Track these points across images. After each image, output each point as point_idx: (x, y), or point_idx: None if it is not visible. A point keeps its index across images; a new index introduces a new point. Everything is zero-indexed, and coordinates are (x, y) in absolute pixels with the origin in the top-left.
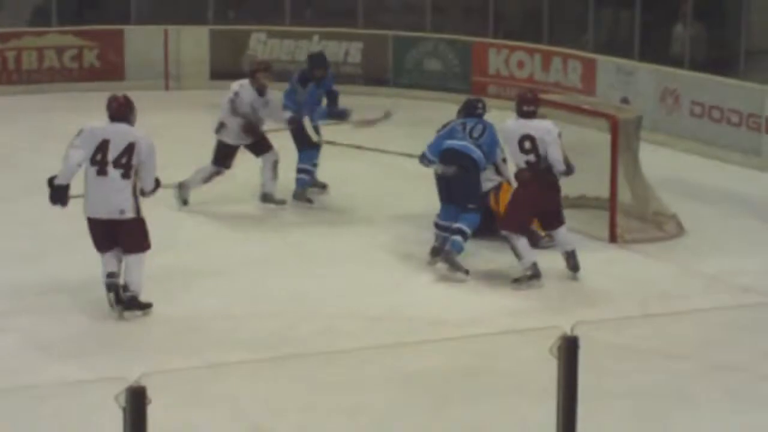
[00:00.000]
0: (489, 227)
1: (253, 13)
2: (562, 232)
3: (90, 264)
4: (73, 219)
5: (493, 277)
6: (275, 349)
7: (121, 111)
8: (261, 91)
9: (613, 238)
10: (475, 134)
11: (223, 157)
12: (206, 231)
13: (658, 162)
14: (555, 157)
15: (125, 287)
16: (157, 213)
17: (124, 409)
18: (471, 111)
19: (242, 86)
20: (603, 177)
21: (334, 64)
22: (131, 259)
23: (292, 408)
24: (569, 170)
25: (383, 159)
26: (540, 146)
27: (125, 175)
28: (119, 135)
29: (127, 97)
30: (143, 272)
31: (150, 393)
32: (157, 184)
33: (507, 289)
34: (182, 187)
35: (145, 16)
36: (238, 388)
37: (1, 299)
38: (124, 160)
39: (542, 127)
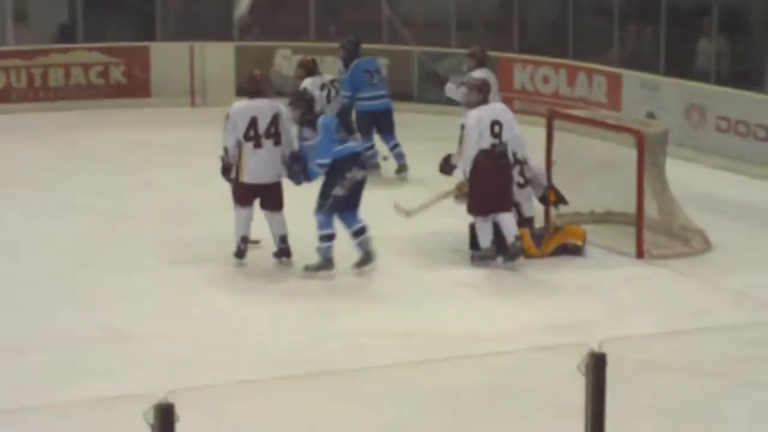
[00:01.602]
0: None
1: (278, 30)
2: (509, 217)
3: (113, 279)
4: (95, 236)
5: (520, 294)
6: (303, 366)
7: (257, 87)
8: None
9: (639, 253)
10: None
11: None
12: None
13: (685, 177)
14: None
15: (282, 238)
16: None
17: (153, 426)
18: (309, 107)
19: None
20: (629, 192)
21: None
22: (278, 216)
23: (320, 425)
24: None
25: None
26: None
27: (277, 143)
28: (263, 109)
29: (262, 73)
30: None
31: (178, 410)
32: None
33: (534, 306)
34: None
35: (170, 32)
36: (267, 405)
37: (30, 314)
38: (273, 130)
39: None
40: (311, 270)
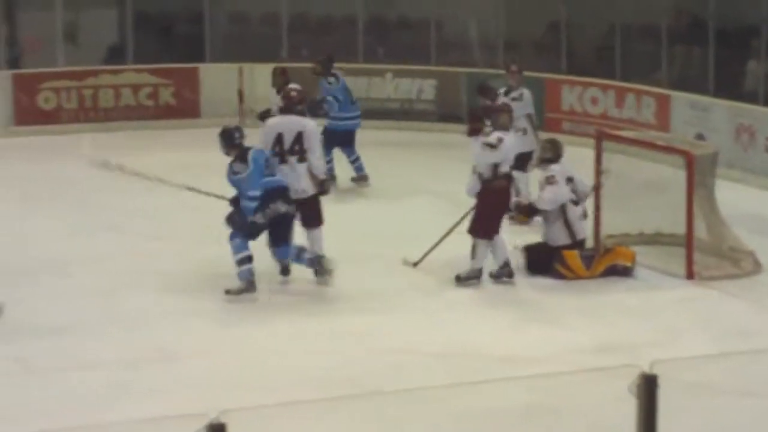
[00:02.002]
0: (547, 267)
1: (327, 51)
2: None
3: (159, 299)
4: (141, 255)
5: (568, 315)
6: (345, 385)
7: (288, 103)
8: None
9: (689, 275)
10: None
11: None
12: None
13: (734, 198)
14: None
15: (319, 257)
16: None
17: None
18: (229, 142)
19: None
20: (678, 214)
21: (407, 101)
22: (315, 233)
23: None
24: None
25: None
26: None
27: (301, 160)
28: (289, 126)
29: (297, 89)
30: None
31: (230, 430)
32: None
33: (582, 327)
34: None
35: (219, 54)
36: (314, 426)
37: (79, 334)
38: (297, 147)
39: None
40: (234, 294)
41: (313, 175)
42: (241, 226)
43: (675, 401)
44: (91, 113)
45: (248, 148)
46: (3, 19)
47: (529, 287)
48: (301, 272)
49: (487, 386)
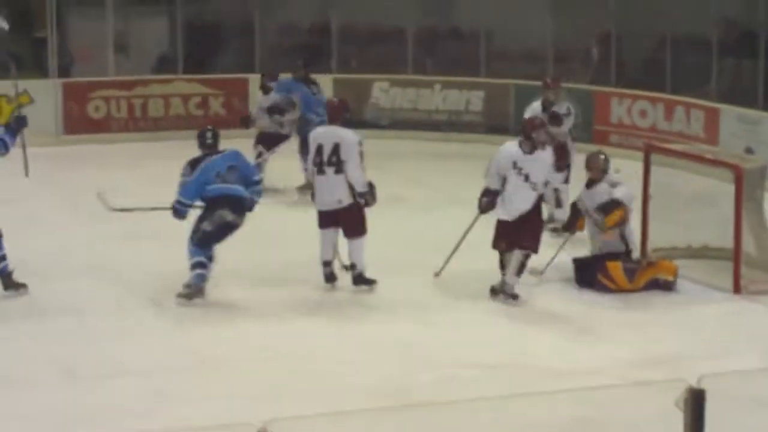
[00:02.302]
0: (592, 279)
1: (376, 62)
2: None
3: (200, 306)
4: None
5: (613, 328)
6: (393, 397)
7: (331, 114)
8: None
9: (737, 289)
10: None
11: None
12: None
13: None
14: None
15: (353, 266)
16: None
17: None
18: (200, 142)
19: None
20: (726, 227)
21: (455, 113)
22: (354, 244)
23: None
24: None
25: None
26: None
27: (338, 171)
28: (328, 137)
29: (341, 100)
30: (365, 253)
31: None
32: (369, 187)
33: (627, 340)
34: None
35: (269, 64)
36: None
37: (122, 341)
38: (334, 159)
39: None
40: (183, 297)
41: (350, 186)
42: (194, 234)
43: (722, 416)
44: (141, 122)
45: (217, 153)
46: (54, 28)
47: (574, 301)
48: (345, 281)
49: (535, 399)
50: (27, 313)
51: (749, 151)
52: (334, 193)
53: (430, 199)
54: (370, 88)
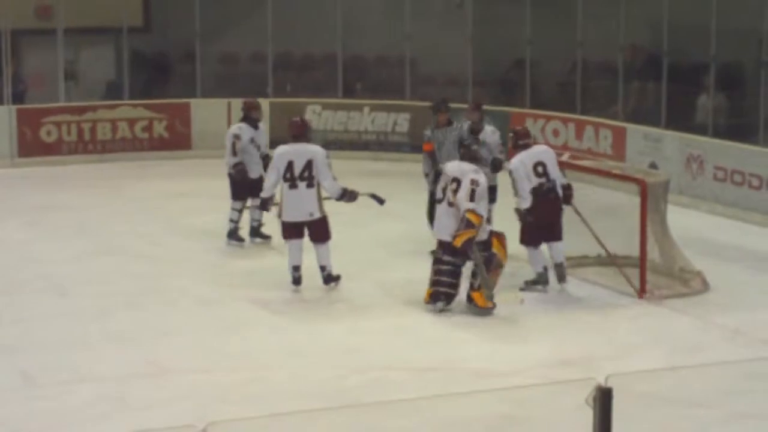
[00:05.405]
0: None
1: (309, 87)
2: (560, 246)
3: (154, 317)
4: (138, 276)
5: (529, 332)
6: (330, 399)
7: (297, 131)
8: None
9: (643, 294)
10: None
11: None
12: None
13: (684, 223)
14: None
15: (322, 268)
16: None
17: None
18: None
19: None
20: (633, 237)
21: (383, 133)
22: (322, 248)
23: None
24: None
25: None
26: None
27: (309, 185)
28: (299, 153)
29: (303, 118)
30: (330, 255)
31: None
32: (343, 192)
33: (544, 342)
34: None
35: (209, 90)
36: None
37: (78, 350)
38: (306, 174)
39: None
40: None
41: (320, 198)
42: None
43: (628, 412)
44: (90, 145)
45: None
46: (8, 59)
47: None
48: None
49: (460, 398)
50: None
51: (653, 166)
52: (306, 206)
53: (361, 214)
54: (304, 111)
